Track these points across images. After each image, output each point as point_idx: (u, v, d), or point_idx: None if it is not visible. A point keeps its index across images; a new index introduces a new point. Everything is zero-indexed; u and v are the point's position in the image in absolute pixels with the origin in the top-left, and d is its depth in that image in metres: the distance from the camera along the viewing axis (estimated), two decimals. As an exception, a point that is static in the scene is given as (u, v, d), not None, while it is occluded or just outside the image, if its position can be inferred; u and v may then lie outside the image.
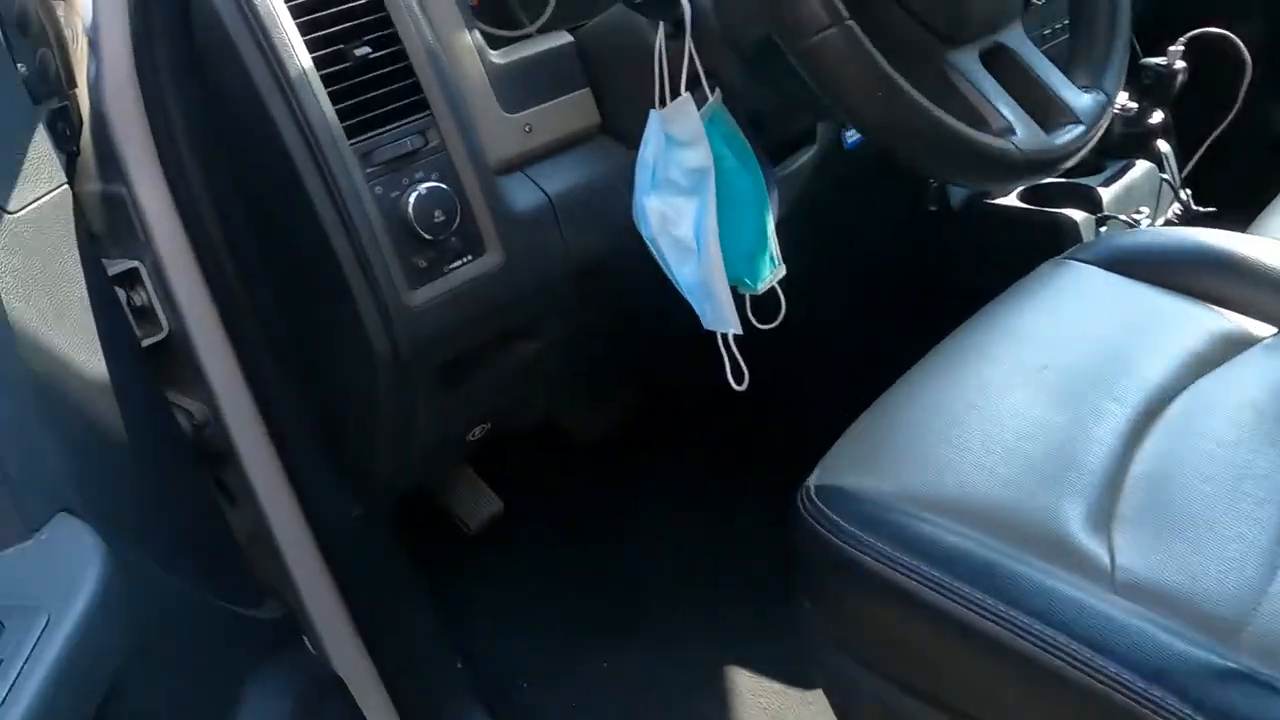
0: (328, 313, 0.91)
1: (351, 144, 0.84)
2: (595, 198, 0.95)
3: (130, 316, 0.91)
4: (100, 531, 0.59)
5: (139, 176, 0.91)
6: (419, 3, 0.87)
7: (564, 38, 0.96)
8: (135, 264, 0.93)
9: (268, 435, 0.99)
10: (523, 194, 0.92)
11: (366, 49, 0.85)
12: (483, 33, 0.91)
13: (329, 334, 0.94)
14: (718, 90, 0.85)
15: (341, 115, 0.84)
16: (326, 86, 0.83)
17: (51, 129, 0.91)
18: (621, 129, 0.96)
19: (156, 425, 0.91)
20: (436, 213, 0.85)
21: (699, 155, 0.81)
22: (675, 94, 0.83)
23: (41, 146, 0.79)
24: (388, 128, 0.86)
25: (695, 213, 0.79)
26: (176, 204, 0.92)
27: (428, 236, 0.85)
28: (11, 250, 0.71)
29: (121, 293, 0.92)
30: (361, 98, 0.85)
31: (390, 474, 1.06)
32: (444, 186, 0.86)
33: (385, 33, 0.87)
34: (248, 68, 0.83)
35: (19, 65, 0.85)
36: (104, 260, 0.89)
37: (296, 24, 0.83)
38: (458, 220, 0.87)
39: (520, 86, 0.92)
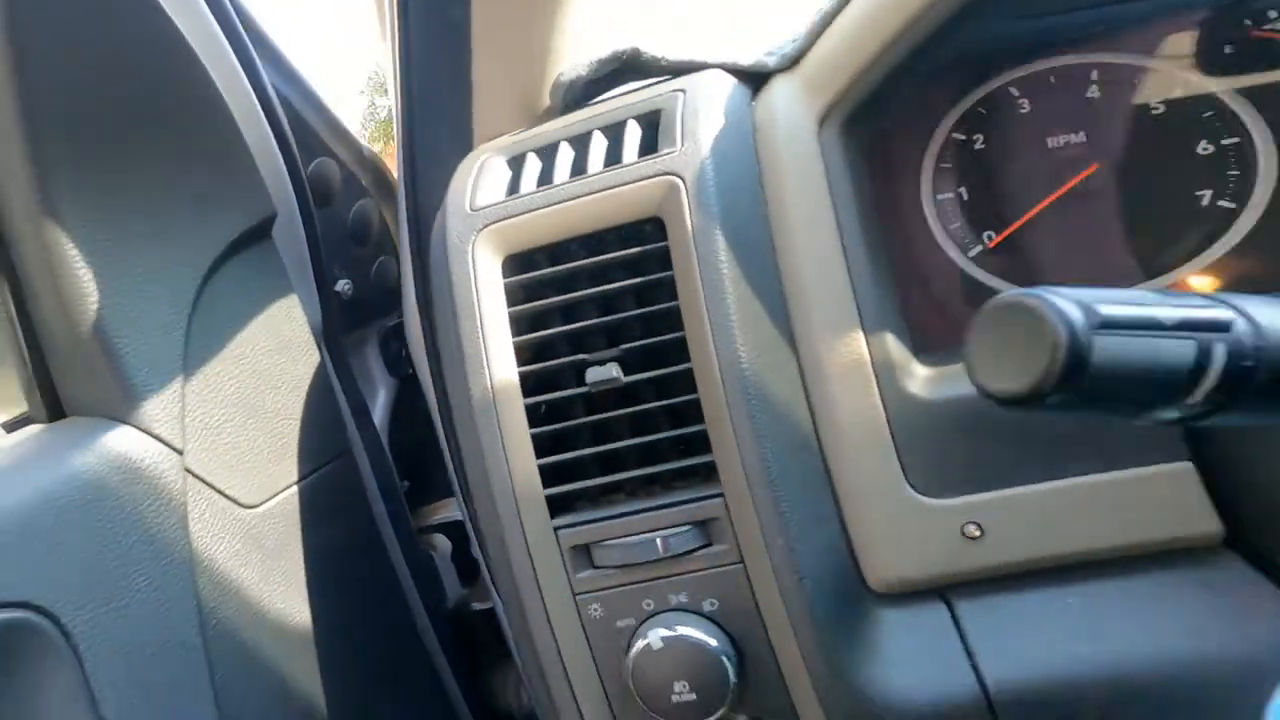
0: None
1: (558, 525, 0.45)
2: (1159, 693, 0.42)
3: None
4: None
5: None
6: (727, 241, 0.45)
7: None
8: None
9: None
10: (931, 667, 0.43)
11: (610, 363, 0.45)
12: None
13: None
14: None
15: (548, 476, 0.46)
16: (534, 429, 0.46)
17: (384, 349, 0.71)
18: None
19: None
20: (677, 685, 0.42)
21: None
22: None
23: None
24: (628, 509, 0.45)
25: None
26: None
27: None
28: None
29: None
30: (577, 452, 0.46)
31: None
32: (716, 640, 0.42)
33: (658, 311, 0.46)
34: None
35: (341, 283, 0.65)
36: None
37: (510, 314, 0.47)
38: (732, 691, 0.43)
39: (985, 438, 0.44)
